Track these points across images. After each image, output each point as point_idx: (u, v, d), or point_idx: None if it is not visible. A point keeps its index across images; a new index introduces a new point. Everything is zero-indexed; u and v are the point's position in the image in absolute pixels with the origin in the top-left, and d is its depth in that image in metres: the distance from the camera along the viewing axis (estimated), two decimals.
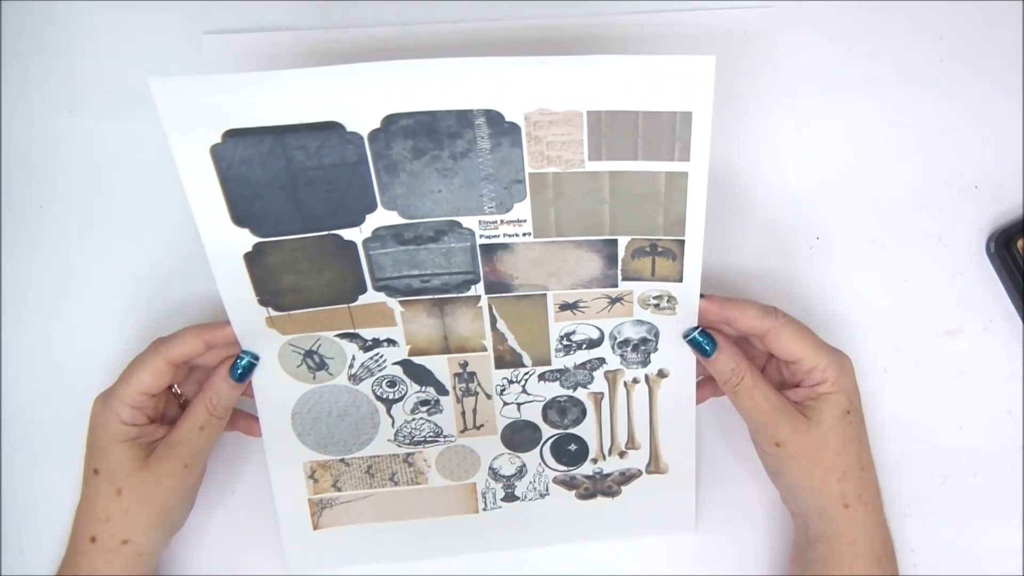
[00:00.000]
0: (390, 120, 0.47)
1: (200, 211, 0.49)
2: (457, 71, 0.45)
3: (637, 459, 0.57)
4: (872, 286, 0.59)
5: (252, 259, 0.50)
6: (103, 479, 0.51)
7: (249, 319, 0.52)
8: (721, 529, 0.59)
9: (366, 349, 0.54)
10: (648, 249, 0.51)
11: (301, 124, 0.47)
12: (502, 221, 0.50)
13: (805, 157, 0.59)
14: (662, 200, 0.49)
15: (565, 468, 0.57)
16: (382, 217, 0.50)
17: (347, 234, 0.50)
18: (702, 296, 0.52)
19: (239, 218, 0.49)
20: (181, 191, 0.58)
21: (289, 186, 0.48)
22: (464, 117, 0.47)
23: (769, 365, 0.55)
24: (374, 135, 0.47)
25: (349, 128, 0.47)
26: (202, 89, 0.46)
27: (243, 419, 0.56)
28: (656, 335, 0.54)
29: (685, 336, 0.53)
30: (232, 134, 0.47)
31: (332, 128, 0.47)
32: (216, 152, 0.47)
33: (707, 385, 0.56)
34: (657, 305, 0.53)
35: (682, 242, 0.50)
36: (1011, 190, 0.59)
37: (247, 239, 0.49)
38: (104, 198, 0.58)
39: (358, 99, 0.46)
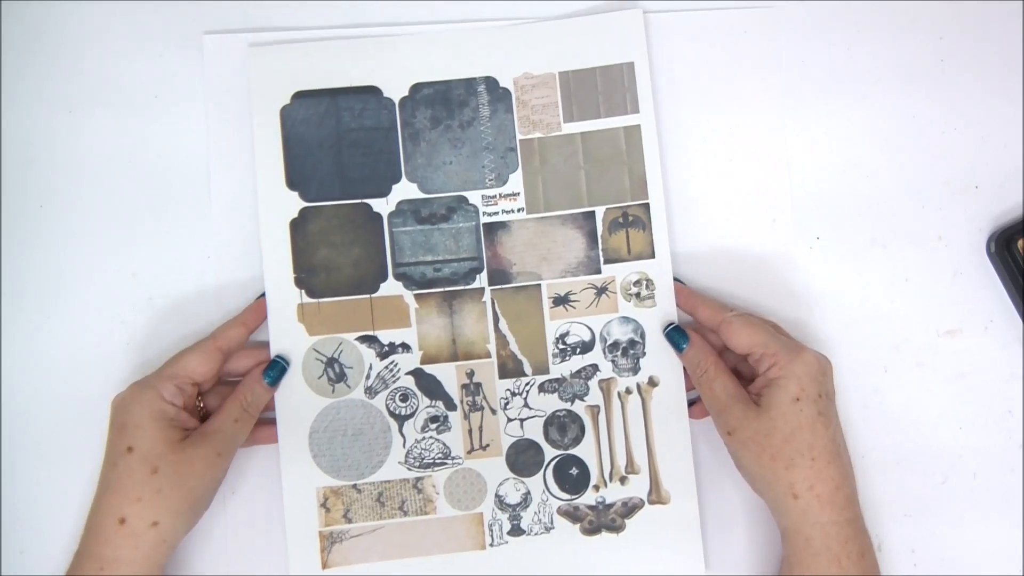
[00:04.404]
0: (416, 88, 0.58)
1: (262, 173, 0.58)
2: (463, 35, 0.59)
3: (638, 486, 0.57)
4: (872, 286, 0.59)
5: (296, 226, 0.57)
6: (138, 457, 0.51)
7: (283, 304, 0.57)
8: (721, 530, 0.59)
9: (383, 355, 0.57)
10: (621, 220, 0.58)
11: (350, 87, 0.58)
12: (500, 195, 0.58)
13: (805, 157, 0.59)
14: (625, 159, 0.58)
15: (568, 497, 0.58)
16: (405, 189, 0.58)
17: (376, 205, 0.58)
18: (676, 280, 0.58)
19: (292, 180, 0.58)
20: (181, 190, 0.58)
21: (336, 147, 0.58)
22: (470, 85, 0.58)
23: (740, 361, 0.56)
24: (403, 102, 0.58)
25: (386, 93, 0.58)
26: (284, 54, 0.58)
27: (258, 429, 0.56)
28: (642, 336, 0.58)
29: (663, 330, 0.57)
30: (299, 96, 0.58)
31: (372, 92, 0.58)
32: (284, 113, 0.58)
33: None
34: (638, 295, 0.58)
35: (648, 206, 0.58)
36: (1011, 190, 0.59)
37: (295, 203, 0.58)
38: (104, 198, 0.58)
39: (393, 66, 0.58)
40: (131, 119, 0.58)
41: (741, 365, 0.56)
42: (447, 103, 0.58)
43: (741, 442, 0.52)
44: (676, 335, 0.56)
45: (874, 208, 0.59)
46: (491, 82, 0.58)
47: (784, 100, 0.59)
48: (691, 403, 0.58)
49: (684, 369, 0.58)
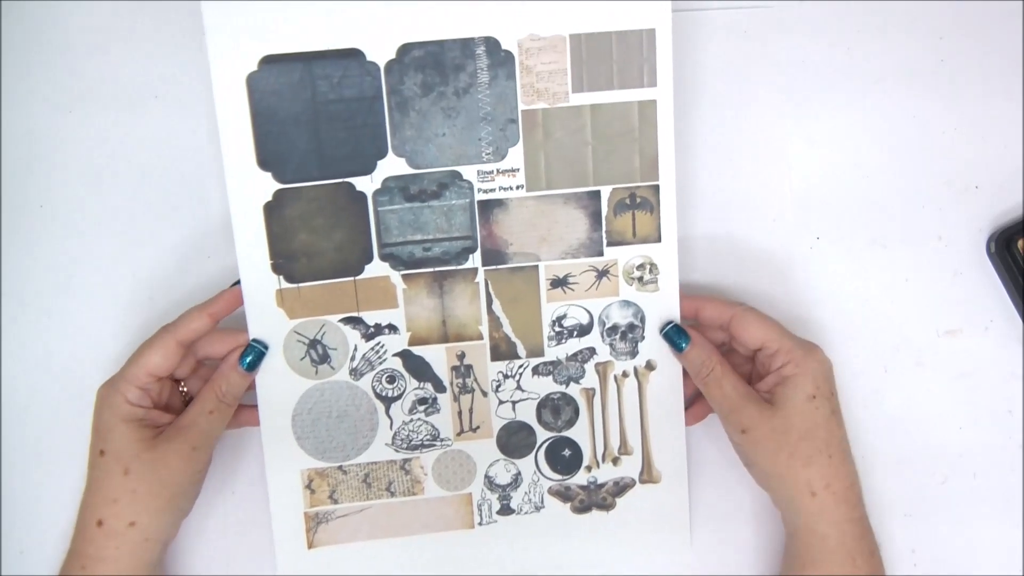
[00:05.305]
0: (404, 50, 0.52)
1: (229, 152, 0.53)
2: None
3: (630, 467, 0.57)
4: (872, 286, 0.59)
5: (271, 210, 0.53)
6: (110, 459, 0.51)
7: (261, 291, 0.54)
8: (717, 529, 0.59)
9: (368, 337, 0.56)
10: (628, 201, 0.55)
11: (327, 51, 0.52)
12: (498, 171, 0.54)
13: (805, 157, 0.59)
14: (637, 137, 0.54)
15: (560, 477, 0.57)
16: (392, 165, 0.54)
17: (359, 183, 0.54)
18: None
19: (264, 160, 0.53)
20: (181, 190, 0.58)
21: (312, 122, 0.53)
22: (467, 46, 0.52)
23: (742, 362, 0.56)
24: (390, 67, 0.52)
25: (369, 57, 0.52)
26: (246, 10, 0.51)
27: (244, 412, 0.56)
28: (642, 320, 0.56)
29: (660, 331, 0.55)
30: (267, 61, 0.52)
31: (354, 56, 0.52)
32: (251, 81, 0.52)
33: (702, 402, 0.57)
34: (640, 279, 0.55)
35: (657, 188, 0.54)
36: (1011, 190, 0.59)
37: (269, 185, 0.53)
38: (104, 198, 0.58)
39: (378, 24, 0.52)
40: (131, 119, 0.58)
41: (741, 366, 0.56)
42: (440, 67, 0.53)
43: (755, 440, 0.52)
44: (675, 334, 0.55)
45: (874, 208, 0.59)
46: (492, 43, 0.53)
47: (784, 100, 0.59)
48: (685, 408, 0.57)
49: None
